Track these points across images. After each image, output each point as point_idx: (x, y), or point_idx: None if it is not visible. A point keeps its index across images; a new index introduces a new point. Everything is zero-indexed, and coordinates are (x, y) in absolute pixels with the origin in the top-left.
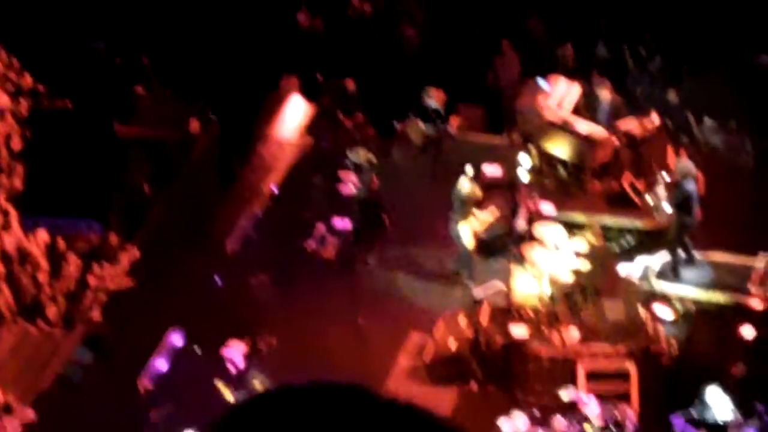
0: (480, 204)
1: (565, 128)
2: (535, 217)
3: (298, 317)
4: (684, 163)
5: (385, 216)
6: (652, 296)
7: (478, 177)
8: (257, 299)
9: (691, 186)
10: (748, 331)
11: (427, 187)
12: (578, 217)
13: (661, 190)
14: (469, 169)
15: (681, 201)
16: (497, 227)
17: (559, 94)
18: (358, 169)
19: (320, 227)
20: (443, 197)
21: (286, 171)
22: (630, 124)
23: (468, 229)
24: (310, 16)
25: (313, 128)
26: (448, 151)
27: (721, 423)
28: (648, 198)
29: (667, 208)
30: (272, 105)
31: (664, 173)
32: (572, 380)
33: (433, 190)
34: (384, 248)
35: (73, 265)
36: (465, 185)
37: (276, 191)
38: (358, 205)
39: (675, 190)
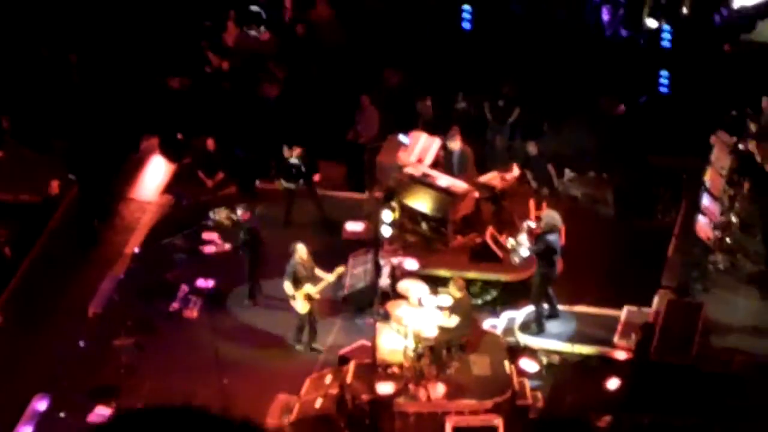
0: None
1: (425, 183)
2: (398, 273)
3: (163, 378)
4: (549, 215)
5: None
6: (518, 350)
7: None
8: (121, 361)
9: (553, 237)
10: (613, 383)
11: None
12: (441, 272)
13: (523, 241)
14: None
15: (543, 252)
16: (359, 282)
17: (419, 149)
18: (219, 227)
19: (183, 287)
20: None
21: (148, 231)
22: (490, 177)
23: (300, 296)
24: (170, 76)
25: (174, 188)
26: (309, 208)
27: None
28: (510, 249)
29: (527, 256)
30: (133, 165)
31: (527, 223)
32: None
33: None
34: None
35: None
36: (298, 252)
37: (138, 252)
38: (244, 245)
39: (537, 241)
